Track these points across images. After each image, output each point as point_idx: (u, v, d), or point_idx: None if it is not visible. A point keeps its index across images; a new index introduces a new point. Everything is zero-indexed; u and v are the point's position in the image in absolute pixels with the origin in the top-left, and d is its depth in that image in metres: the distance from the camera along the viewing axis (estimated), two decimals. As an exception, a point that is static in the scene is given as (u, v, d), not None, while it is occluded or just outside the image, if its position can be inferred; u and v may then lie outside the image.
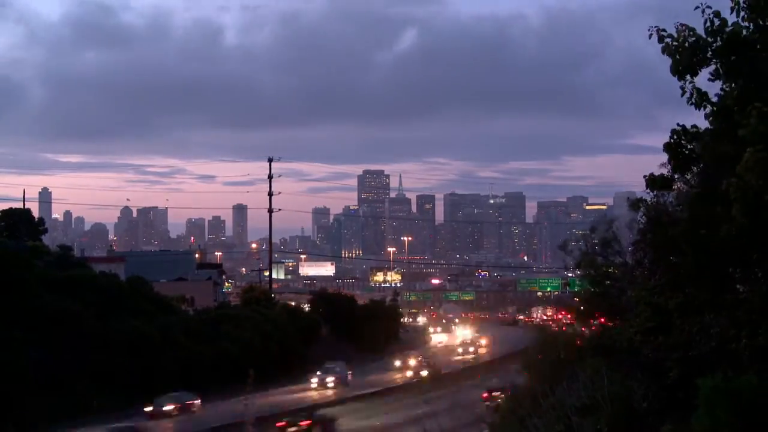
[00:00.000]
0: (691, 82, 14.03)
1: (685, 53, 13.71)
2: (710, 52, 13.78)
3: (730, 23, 13.57)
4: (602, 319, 33.10)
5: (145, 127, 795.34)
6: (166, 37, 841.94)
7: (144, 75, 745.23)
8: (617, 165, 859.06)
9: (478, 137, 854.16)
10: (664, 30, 14.00)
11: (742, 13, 13.40)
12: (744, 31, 13.59)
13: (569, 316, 41.96)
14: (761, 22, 13.42)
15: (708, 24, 13.58)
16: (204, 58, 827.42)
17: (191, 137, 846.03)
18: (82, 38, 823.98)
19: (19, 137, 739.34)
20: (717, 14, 13.51)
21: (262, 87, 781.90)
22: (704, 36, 13.74)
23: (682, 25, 13.91)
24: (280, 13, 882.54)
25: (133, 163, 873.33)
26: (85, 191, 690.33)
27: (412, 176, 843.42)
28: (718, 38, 13.58)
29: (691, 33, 13.76)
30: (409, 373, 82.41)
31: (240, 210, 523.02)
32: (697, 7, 13.56)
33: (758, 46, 13.61)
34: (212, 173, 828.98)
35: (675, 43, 13.82)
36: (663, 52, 13.96)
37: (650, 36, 13.99)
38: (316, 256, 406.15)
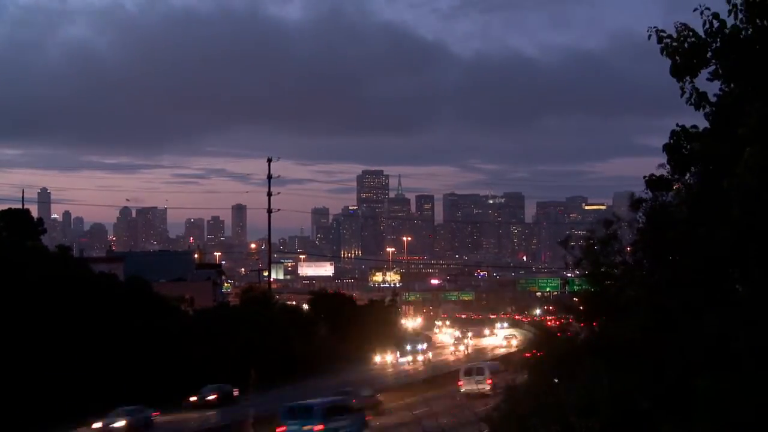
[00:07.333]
0: (690, 83, 14.04)
1: (684, 54, 13.71)
2: (710, 53, 13.78)
3: (728, 25, 13.57)
4: (599, 321, 33.00)
5: (186, 129, 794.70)
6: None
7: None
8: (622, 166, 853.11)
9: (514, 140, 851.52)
10: (663, 31, 14.02)
11: (740, 15, 13.40)
12: (742, 33, 13.59)
13: (564, 317, 41.71)
14: (758, 22, 13.41)
15: (707, 26, 13.59)
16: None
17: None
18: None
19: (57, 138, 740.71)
20: (716, 16, 13.52)
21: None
22: (703, 37, 13.74)
23: (681, 24, 13.91)
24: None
25: (170, 164, 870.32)
26: (115, 192, 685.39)
27: (444, 179, 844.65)
28: (718, 39, 13.58)
29: (691, 33, 13.76)
30: None
31: (239, 210, 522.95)
32: (695, 9, 13.60)
33: (757, 47, 13.61)
34: (247, 173, 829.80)
35: (674, 44, 13.83)
36: (662, 53, 13.98)
37: (649, 37, 14.00)
38: (316, 257, 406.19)
